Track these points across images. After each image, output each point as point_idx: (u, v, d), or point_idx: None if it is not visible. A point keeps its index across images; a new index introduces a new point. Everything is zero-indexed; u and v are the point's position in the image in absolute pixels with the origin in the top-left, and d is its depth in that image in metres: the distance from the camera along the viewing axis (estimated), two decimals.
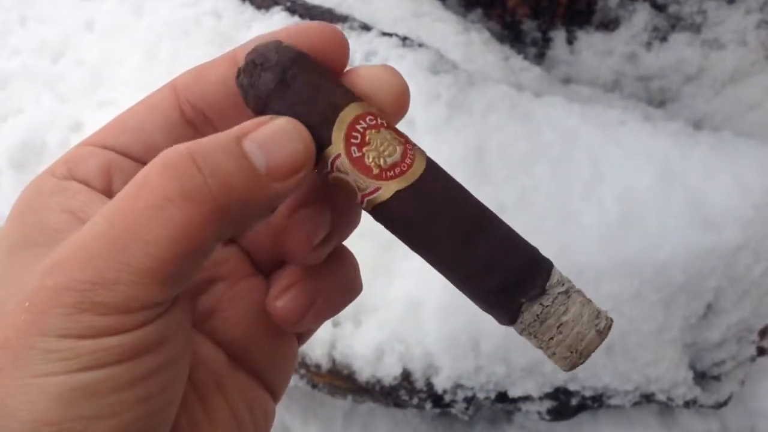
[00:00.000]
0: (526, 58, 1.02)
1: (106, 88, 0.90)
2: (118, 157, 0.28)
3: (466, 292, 0.27)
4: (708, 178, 0.78)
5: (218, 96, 0.27)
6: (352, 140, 0.26)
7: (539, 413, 0.82)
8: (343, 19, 0.89)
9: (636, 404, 0.81)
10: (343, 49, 0.27)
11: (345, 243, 0.31)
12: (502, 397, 0.78)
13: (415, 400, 0.79)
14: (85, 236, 0.23)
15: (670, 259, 0.75)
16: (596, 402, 0.81)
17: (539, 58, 1.07)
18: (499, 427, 0.93)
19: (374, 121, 0.26)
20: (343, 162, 0.26)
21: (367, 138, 0.26)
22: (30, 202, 0.26)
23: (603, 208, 0.76)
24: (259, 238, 0.31)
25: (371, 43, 0.85)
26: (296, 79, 0.26)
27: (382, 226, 0.27)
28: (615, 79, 1.05)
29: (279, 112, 0.26)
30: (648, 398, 0.80)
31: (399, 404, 0.81)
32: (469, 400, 0.79)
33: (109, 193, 0.27)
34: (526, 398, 0.79)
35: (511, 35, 1.06)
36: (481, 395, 0.78)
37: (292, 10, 0.89)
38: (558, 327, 0.26)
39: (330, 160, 0.26)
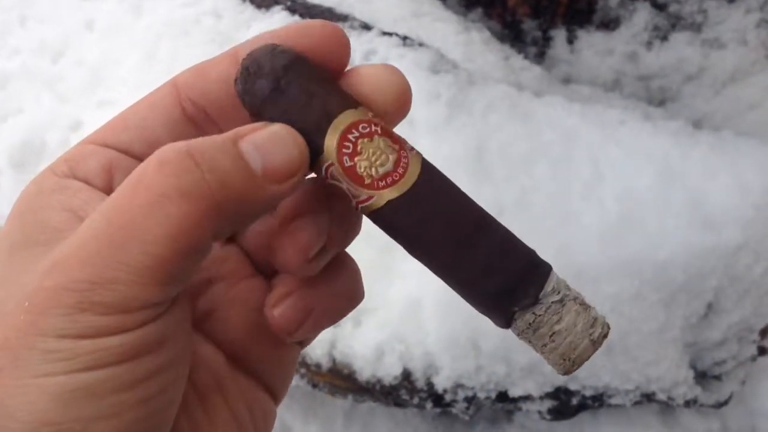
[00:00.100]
0: (526, 57, 1.02)
1: (106, 88, 0.90)
2: (119, 156, 0.28)
3: (462, 296, 0.27)
4: (708, 178, 0.78)
5: (220, 94, 0.27)
6: (344, 150, 0.26)
7: (540, 413, 0.82)
8: (343, 18, 0.89)
9: (637, 404, 0.81)
10: (344, 48, 0.27)
11: None
12: (502, 396, 0.78)
13: (415, 400, 0.79)
14: (83, 235, 0.23)
15: (671, 259, 0.75)
16: (597, 401, 0.81)
17: (539, 57, 1.07)
18: (500, 426, 0.93)
19: (367, 129, 0.26)
20: (336, 170, 0.26)
21: (359, 147, 0.26)
22: (30, 200, 0.26)
23: (603, 207, 0.76)
24: (259, 240, 0.30)
25: (371, 42, 0.85)
26: (290, 86, 0.26)
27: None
28: (615, 79, 1.05)
29: (273, 119, 0.26)
30: (649, 398, 0.80)
31: (399, 404, 0.81)
32: (470, 400, 0.79)
33: (110, 191, 0.26)
34: (527, 398, 0.79)
35: (511, 35, 1.06)
36: (481, 395, 0.77)
37: (292, 10, 0.89)
38: (550, 336, 0.26)
39: (324, 167, 0.26)
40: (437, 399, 0.78)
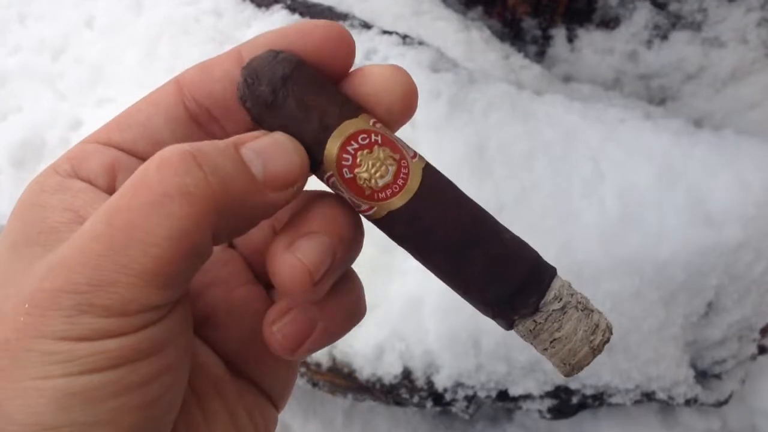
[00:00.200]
0: (526, 56, 1.02)
1: (106, 86, 0.90)
2: (122, 155, 0.27)
3: (466, 300, 0.28)
4: (708, 176, 0.78)
5: (223, 93, 0.27)
6: (344, 162, 0.26)
7: (540, 412, 0.82)
8: (344, 17, 0.89)
9: (637, 402, 0.81)
10: (348, 48, 0.27)
11: None
12: (502, 395, 0.78)
13: (415, 399, 0.79)
14: (83, 237, 0.23)
15: (671, 257, 0.75)
16: (597, 400, 0.81)
17: (540, 56, 1.07)
18: (500, 425, 0.93)
19: (367, 140, 0.26)
20: (337, 181, 0.26)
21: (358, 160, 0.26)
22: (32, 199, 0.26)
23: (603, 206, 0.76)
24: (259, 248, 0.30)
25: (372, 41, 0.85)
26: (287, 100, 0.26)
27: None
28: (615, 78, 1.05)
29: (273, 129, 0.26)
30: (649, 396, 0.80)
31: (399, 402, 0.81)
32: (470, 399, 0.79)
33: (112, 191, 0.26)
34: (527, 396, 0.79)
35: (511, 33, 1.06)
36: (481, 394, 0.77)
37: (292, 9, 0.89)
38: (551, 342, 0.27)
39: (325, 177, 0.26)
40: (437, 398, 0.78)
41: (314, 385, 0.83)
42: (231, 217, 0.24)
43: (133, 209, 0.23)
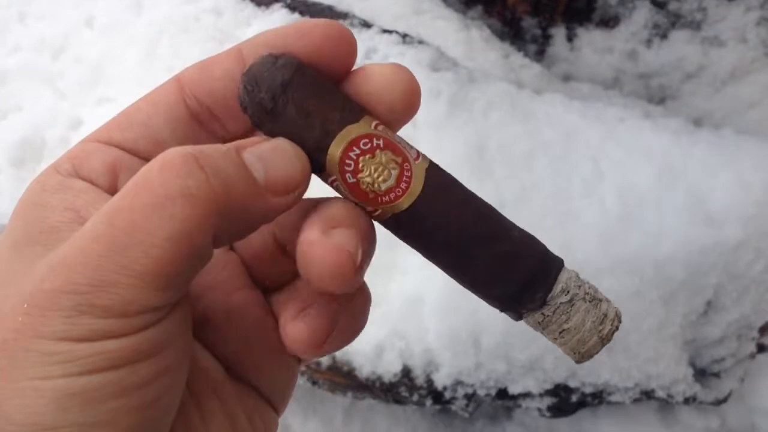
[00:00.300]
0: (526, 55, 1.02)
1: (106, 85, 0.90)
2: (124, 155, 0.27)
3: (474, 293, 0.28)
4: (708, 176, 0.78)
5: (224, 91, 0.27)
6: (346, 167, 0.26)
7: (539, 410, 0.82)
8: (343, 16, 0.89)
9: (636, 401, 0.81)
10: (349, 48, 0.27)
11: None
12: (502, 393, 0.78)
13: (415, 397, 0.79)
14: (84, 236, 0.23)
15: (671, 256, 0.75)
16: (596, 399, 0.81)
17: (539, 55, 1.07)
18: (500, 423, 0.93)
19: (369, 145, 0.26)
20: (340, 185, 0.26)
21: (360, 165, 0.26)
22: (33, 198, 0.26)
23: (603, 205, 0.76)
24: (258, 253, 0.30)
25: (372, 40, 0.85)
26: (288, 106, 0.26)
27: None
28: (615, 77, 1.05)
29: (274, 135, 0.26)
30: (648, 395, 0.80)
31: (399, 401, 0.81)
32: (470, 397, 0.79)
33: (114, 191, 0.26)
34: (527, 395, 0.79)
35: (511, 32, 1.06)
36: (481, 392, 0.78)
37: (292, 7, 0.89)
38: (560, 333, 0.27)
39: (329, 180, 0.27)
40: (437, 396, 0.78)
41: (314, 383, 0.83)
42: (232, 220, 0.24)
43: (135, 210, 0.23)
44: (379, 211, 0.27)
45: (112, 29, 0.93)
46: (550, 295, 0.27)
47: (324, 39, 0.26)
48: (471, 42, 0.95)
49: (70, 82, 0.91)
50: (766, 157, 0.80)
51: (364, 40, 0.85)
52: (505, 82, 0.85)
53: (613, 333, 0.27)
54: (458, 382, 0.77)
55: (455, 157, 0.77)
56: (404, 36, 0.86)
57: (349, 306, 0.28)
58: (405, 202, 0.26)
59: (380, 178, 0.26)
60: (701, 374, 0.84)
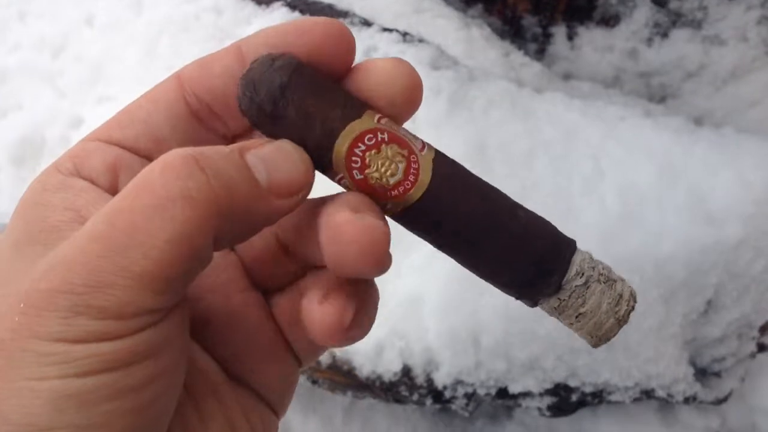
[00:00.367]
0: (526, 53, 1.02)
1: (106, 84, 0.90)
2: (124, 153, 0.27)
3: (488, 282, 0.28)
4: (709, 175, 0.78)
5: (224, 89, 0.27)
6: (353, 164, 0.26)
7: (539, 409, 0.82)
8: (344, 14, 0.89)
9: (636, 400, 0.81)
10: (348, 46, 0.27)
11: None
12: (502, 393, 0.78)
13: (415, 396, 0.79)
14: (83, 236, 0.23)
15: (671, 255, 0.75)
16: (596, 398, 0.81)
17: (540, 53, 1.07)
18: (499, 423, 0.93)
19: (373, 140, 0.26)
20: (348, 182, 0.26)
21: (367, 161, 0.26)
22: (34, 198, 0.26)
23: (603, 204, 0.76)
24: (260, 255, 0.30)
25: (372, 38, 0.85)
26: (288, 109, 0.26)
27: None
28: (615, 75, 1.05)
29: (277, 138, 0.26)
30: (648, 394, 0.80)
31: (399, 400, 0.81)
32: (470, 396, 0.79)
33: (114, 191, 0.26)
34: (527, 394, 0.79)
35: (511, 31, 1.06)
36: (481, 391, 0.78)
37: (292, 6, 0.89)
38: (576, 317, 0.27)
39: (336, 178, 0.26)
40: (437, 395, 0.78)
41: (314, 382, 0.83)
42: (233, 223, 0.24)
43: (136, 211, 0.22)
44: (389, 205, 0.26)
45: (112, 28, 0.93)
46: (565, 279, 0.26)
47: (323, 37, 0.26)
48: (471, 40, 0.95)
49: (70, 81, 0.91)
50: (766, 156, 0.80)
51: (364, 38, 0.85)
52: (505, 81, 0.85)
53: (629, 314, 0.27)
54: (458, 382, 0.77)
55: (455, 156, 0.76)
56: (404, 34, 0.86)
57: (368, 292, 0.28)
58: (415, 195, 0.26)
59: (388, 173, 0.26)
60: (701, 374, 0.84)
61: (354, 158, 0.26)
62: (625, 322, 0.27)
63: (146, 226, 0.22)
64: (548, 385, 0.78)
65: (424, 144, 0.27)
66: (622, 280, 0.27)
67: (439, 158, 0.27)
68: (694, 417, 0.89)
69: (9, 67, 0.93)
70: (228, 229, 0.24)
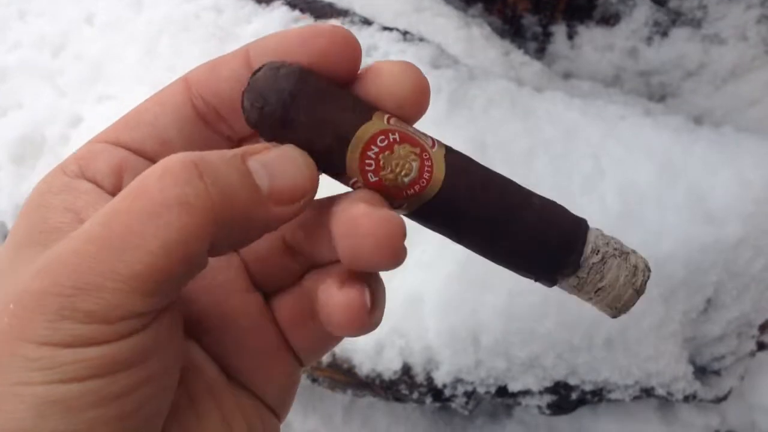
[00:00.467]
0: (526, 53, 1.02)
1: (106, 83, 0.90)
2: (130, 155, 0.27)
3: (504, 267, 0.28)
4: (709, 173, 0.78)
5: (231, 92, 0.27)
6: (367, 167, 0.26)
7: (539, 407, 0.82)
8: (344, 13, 0.89)
9: (636, 398, 0.81)
10: (354, 53, 0.27)
11: None
12: (502, 391, 0.78)
13: (415, 395, 0.79)
14: (79, 237, 0.23)
15: (671, 254, 0.75)
16: (596, 396, 0.81)
17: (540, 53, 1.07)
18: (499, 421, 0.93)
19: (386, 142, 0.26)
20: (363, 186, 0.26)
21: (381, 162, 0.26)
22: (38, 199, 0.26)
23: (603, 203, 0.76)
24: (263, 256, 0.30)
25: (372, 37, 0.85)
26: (298, 117, 0.25)
27: None
28: (615, 74, 1.05)
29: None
30: (648, 392, 0.80)
31: (399, 398, 0.81)
32: (469, 395, 0.79)
33: (118, 192, 0.26)
34: (526, 392, 0.79)
35: (511, 30, 1.06)
36: (481, 389, 0.78)
37: (292, 5, 0.89)
38: (595, 292, 0.27)
39: (350, 183, 0.26)
40: (437, 394, 0.78)
41: (314, 380, 0.83)
42: (231, 230, 0.24)
43: (132, 214, 0.22)
44: (405, 204, 0.26)
45: (112, 27, 0.93)
46: (582, 258, 0.27)
47: (330, 45, 0.26)
48: (471, 39, 0.95)
49: (70, 80, 0.91)
50: (766, 155, 0.80)
51: (364, 37, 0.84)
52: (505, 80, 0.85)
53: (645, 283, 0.27)
54: (458, 380, 0.77)
55: None
56: (405, 33, 0.86)
57: (379, 283, 0.28)
58: (431, 191, 0.26)
59: (402, 172, 0.26)
60: (701, 372, 0.84)
61: (368, 161, 0.26)
62: (643, 292, 0.27)
63: (141, 230, 0.22)
64: (548, 384, 0.78)
65: (434, 141, 0.27)
66: (634, 252, 0.28)
67: (451, 154, 0.27)
68: (694, 415, 0.89)
69: (9, 66, 0.93)
70: (226, 236, 0.24)
